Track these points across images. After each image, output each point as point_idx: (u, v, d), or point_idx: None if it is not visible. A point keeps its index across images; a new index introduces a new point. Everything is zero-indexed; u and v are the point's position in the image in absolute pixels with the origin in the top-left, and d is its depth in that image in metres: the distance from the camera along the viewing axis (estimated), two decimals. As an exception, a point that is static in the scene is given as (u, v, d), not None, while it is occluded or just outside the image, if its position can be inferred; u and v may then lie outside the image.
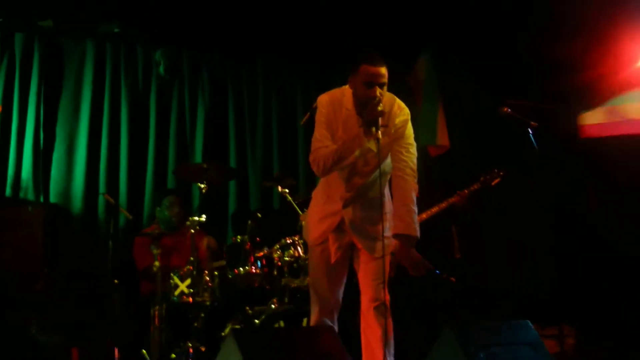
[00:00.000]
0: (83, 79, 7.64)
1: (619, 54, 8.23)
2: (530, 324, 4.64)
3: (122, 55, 7.85)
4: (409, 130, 4.99)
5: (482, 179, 7.03)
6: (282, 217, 7.63)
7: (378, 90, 4.74)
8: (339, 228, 5.00)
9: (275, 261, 6.38)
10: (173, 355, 6.07)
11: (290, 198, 6.69)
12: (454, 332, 4.26)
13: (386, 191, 5.05)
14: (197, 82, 8.13)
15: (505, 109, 5.93)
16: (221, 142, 8.15)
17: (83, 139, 7.50)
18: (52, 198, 7.34)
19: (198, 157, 7.88)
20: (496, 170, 7.03)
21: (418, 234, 4.87)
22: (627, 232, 8.33)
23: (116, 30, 7.72)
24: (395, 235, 4.87)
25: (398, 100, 5.00)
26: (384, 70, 4.78)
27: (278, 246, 6.42)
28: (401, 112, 4.96)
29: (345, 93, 4.96)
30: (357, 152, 4.78)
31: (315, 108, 5.06)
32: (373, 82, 4.74)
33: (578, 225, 8.57)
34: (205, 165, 6.35)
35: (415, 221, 4.87)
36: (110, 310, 6.38)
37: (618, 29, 7.73)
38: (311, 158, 4.92)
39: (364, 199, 4.96)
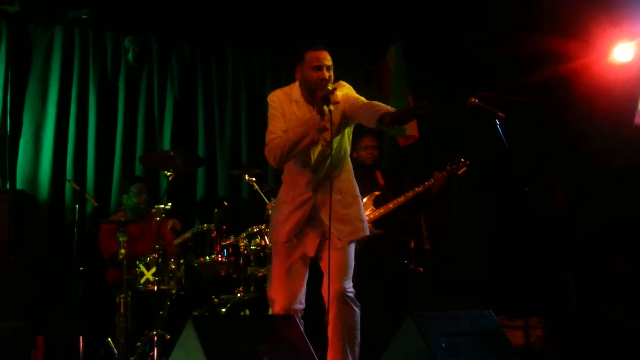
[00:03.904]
0: (51, 65, 7.56)
1: (592, 46, 8.25)
2: (492, 313, 4.65)
3: (91, 41, 7.78)
4: (354, 93, 5.02)
5: (448, 167, 7.03)
6: (249, 206, 7.62)
7: (326, 72, 4.85)
8: (311, 218, 5.00)
9: (242, 250, 6.38)
10: (138, 344, 6.07)
11: (257, 187, 6.67)
12: (416, 321, 4.27)
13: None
14: (166, 70, 8.08)
15: (473, 100, 5.93)
16: (190, 130, 8.11)
17: (50, 126, 7.43)
18: (19, 184, 7.27)
19: (166, 145, 7.84)
20: (462, 159, 7.03)
21: None
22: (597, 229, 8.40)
23: (85, 16, 7.65)
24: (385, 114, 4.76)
25: (339, 82, 5.03)
26: (326, 55, 4.90)
27: (244, 235, 6.42)
28: (342, 87, 4.99)
29: (292, 89, 5.05)
30: (316, 136, 4.83)
31: None
32: (320, 64, 4.85)
33: (545, 218, 8.61)
34: (172, 153, 6.32)
35: None
36: (76, 298, 6.35)
37: (591, 21, 7.74)
38: (266, 150, 4.95)
39: (333, 182, 4.93)
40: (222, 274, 6.56)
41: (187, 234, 6.55)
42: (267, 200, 6.54)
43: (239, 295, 6.30)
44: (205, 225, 6.47)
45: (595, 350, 7.35)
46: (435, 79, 8.84)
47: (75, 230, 6.41)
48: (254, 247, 6.36)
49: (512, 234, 8.61)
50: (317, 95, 4.79)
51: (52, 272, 6.95)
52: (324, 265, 5.00)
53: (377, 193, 7.07)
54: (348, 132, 5.09)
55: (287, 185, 5.14)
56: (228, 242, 6.42)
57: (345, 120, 4.94)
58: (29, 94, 7.45)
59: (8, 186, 7.18)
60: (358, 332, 5.01)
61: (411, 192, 7.02)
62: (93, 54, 7.76)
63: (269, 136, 4.97)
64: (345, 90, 4.97)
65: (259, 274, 6.34)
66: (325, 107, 4.72)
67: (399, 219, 7.14)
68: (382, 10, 7.91)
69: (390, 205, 6.99)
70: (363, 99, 4.94)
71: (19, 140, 7.35)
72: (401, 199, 7.01)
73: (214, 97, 8.27)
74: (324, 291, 4.93)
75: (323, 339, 4.99)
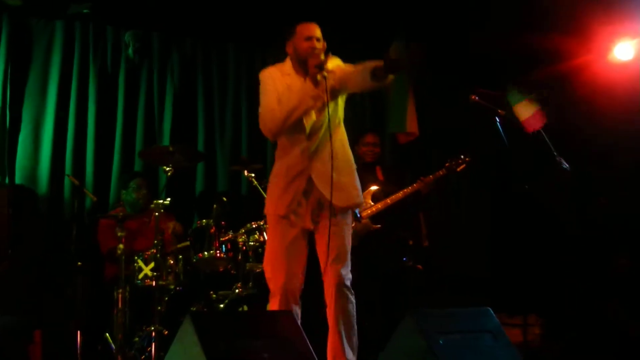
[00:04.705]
0: (51, 59, 7.55)
1: (592, 44, 8.24)
2: (491, 311, 4.63)
3: (91, 36, 7.77)
4: (343, 64, 5.08)
5: (447, 164, 7.03)
6: (248, 202, 7.61)
7: (317, 42, 4.98)
8: (308, 189, 5.01)
9: (240, 246, 6.38)
10: (136, 339, 6.06)
11: (256, 182, 6.66)
12: (415, 318, 4.26)
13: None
14: (166, 65, 8.07)
15: (473, 97, 5.93)
16: (189, 125, 8.11)
17: (50, 120, 7.42)
18: (18, 179, 7.25)
19: (166, 140, 7.83)
20: (462, 156, 7.03)
21: None
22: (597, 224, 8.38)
23: (86, 11, 7.63)
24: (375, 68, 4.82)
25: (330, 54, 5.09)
26: (316, 27, 5.05)
27: (243, 230, 6.41)
28: (333, 59, 5.02)
29: (282, 66, 5.15)
30: (310, 103, 4.91)
31: None
32: (311, 35, 4.99)
33: (547, 217, 8.60)
34: (171, 149, 6.30)
35: None
36: (74, 293, 6.35)
37: (591, 19, 7.73)
38: (261, 124, 5.06)
39: (327, 151, 4.94)
40: (221, 269, 6.56)
41: (186, 243, 6.54)
42: (265, 195, 6.53)
43: (237, 291, 6.30)
44: (204, 220, 6.46)
45: (595, 349, 7.35)
46: (436, 76, 8.83)
47: (74, 225, 6.40)
48: (252, 243, 6.37)
49: (511, 231, 8.61)
50: (310, 64, 4.87)
51: (51, 267, 6.93)
52: (320, 248, 5.04)
53: (374, 189, 7.07)
54: (342, 101, 5.15)
55: (281, 159, 5.15)
56: (227, 237, 6.41)
57: (337, 90, 5.01)
58: (28, 88, 7.44)
59: (7, 180, 7.17)
60: (354, 320, 5.05)
61: (400, 193, 7.03)
62: (93, 48, 7.74)
63: (263, 110, 5.05)
64: (335, 62, 5.03)
65: (258, 270, 6.33)
66: (319, 75, 4.82)
67: (397, 215, 7.13)
68: (384, 7, 7.90)
69: (388, 201, 6.99)
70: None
71: (18, 135, 7.33)
72: (391, 199, 7.01)
73: (214, 93, 8.26)
74: (324, 278, 5.00)
75: (322, 326, 5.04)
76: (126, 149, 7.72)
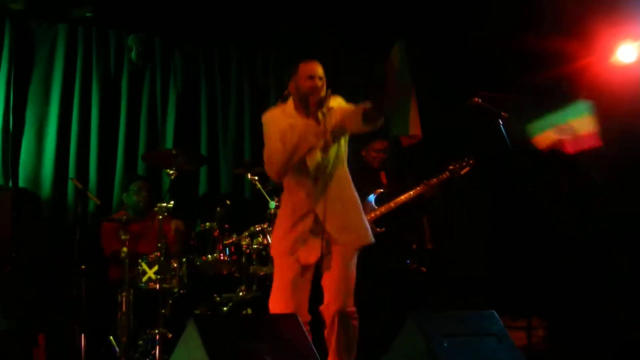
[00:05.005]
0: (54, 63, 7.55)
1: (595, 46, 8.23)
2: (495, 314, 4.63)
3: (94, 40, 7.76)
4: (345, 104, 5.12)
5: (451, 167, 7.02)
6: (252, 205, 7.62)
7: (318, 81, 5.02)
8: (313, 229, 5.02)
9: (244, 249, 6.38)
10: (140, 342, 6.06)
11: (259, 185, 6.67)
12: (417, 321, 4.25)
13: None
14: (169, 68, 8.08)
15: (476, 100, 5.93)
16: (193, 128, 8.11)
17: (53, 123, 7.42)
18: (21, 182, 7.26)
19: (169, 143, 7.83)
20: (466, 159, 7.03)
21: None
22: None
23: (88, 14, 7.65)
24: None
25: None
26: (318, 65, 5.09)
27: (247, 233, 6.41)
28: (335, 98, 5.07)
29: (285, 105, 5.19)
30: (313, 142, 4.94)
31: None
32: (312, 74, 5.03)
33: (550, 218, 8.60)
34: (174, 152, 6.31)
35: None
36: (77, 296, 6.34)
37: (594, 21, 7.72)
38: (266, 166, 5.12)
39: (333, 192, 5.01)
40: (224, 272, 6.57)
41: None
42: (269, 199, 6.54)
43: (241, 294, 6.30)
44: (207, 223, 6.48)
45: (598, 351, 7.34)
46: (438, 78, 8.82)
47: (78, 228, 6.40)
48: (256, 246, 6.37)
49: (514, 234, 8.60)
50: (311, 101, 4.94)
51: (54, 270, 6.94)
52: (325, 281, 5.08)
53: (379, 191, 7.08)
54: (344, 141, 5.16)
55: (287, 200, 5.20)
56: (230, 240, 6.42)
57: (338, 128, 5.00)
58: (31, 91, 7.44)
59: (10, 184, 7.17)
60: (355, 341, 5.12)
61: (403, 196, 7.03)
62: (96, 52, 7.74)
63: (267, 152, 5.10)
64: (337, 101, 5.08)
65: (261, 273, 6.34)
66: (319, 113, 4.88)
67: (401, 218, 7.14)
68: (386, 8, 7.90)
69: (392, 205, 6.99)
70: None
71: (21, 138, 7.34)
72: (394, 203, 7.02)
73: (217, 96, 8.26)
74: (323, 308, 5.05)
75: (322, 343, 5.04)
76: (129, 152, 7.72)
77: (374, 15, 7.96)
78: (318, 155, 5.00)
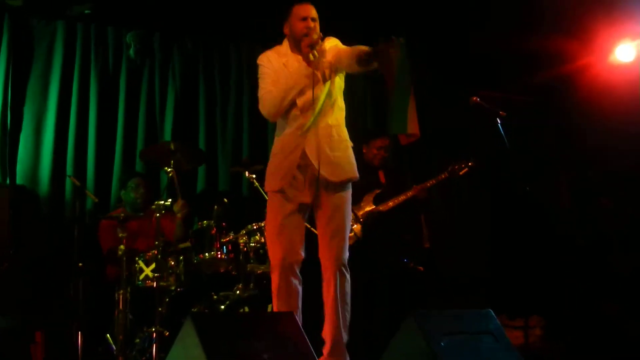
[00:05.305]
0: (52, 59, 7.54)
1: (594, 45, 8.24)
2: (492, 313, 4.63)
3: (93, 36, 7.76)
4: (342, 45, 5.18)
5: (450, 168, 7.04)
6: (249, 203, 7.62)
7: (311, 22, 5.07)
8: (302, 164, 5.06)
9: (241, 247, 6.35)
10: (137, 340, 6.05)
11: (257, 184, 6.65)
12: (416, 320, 4.25)
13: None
14: (168, 65, 8.07)
15: (475, 99, 5.93)
16: (191, 126, 8.10)
17: (51, 120, 7.42)
18: (19, 180, 7.25)
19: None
20: (465, 160, 7.04)
21: None
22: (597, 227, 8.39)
23: (87, 11, 7.63)
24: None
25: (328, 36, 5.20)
26: (312, 7, 5.16)
27: (244, 232, 6.39)
28: (330, 40, 5.16)
29: (280, 48, 5.27)
30: (304, 82, 5.01)
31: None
32: (305, 15, 5.10)
33: (548, 218, 8.61)
34: (172, 147, 6.29)
35: None
36: (75, 294, 6.34)
37: (592, 21, 7.73)
38: (260, 106, 5.20)
39: (322, 128, 5.07)
40: (222, 270, 6.55)
41: (187, 244, 6.54)
42: (266, 197, 6.52)
43: (238, 292, 6.28)
44: (204, 221, 6.46)
45: (596, 350, 7.35)
46: (437, 77, 8.83)
47: (75, 226, 6.40)
48: (253, 244, 6.35)
49: (512, 232, 8.61)
50: (303, 43, 4.99)
51: (52, 268, 6.93)
52: (318, 222, 5.14)
53: (377, 191, 7.10)
54: (340, 80, 5.21)
55: (277, 137, 5.23)
56: (228, 238, 6.40)
57: (331, 69, 5.09)
58: (30, 88, 7.44)
59: (8, 181, 7.16)
60: (349, 298, 5.11)
61: (390, 202, 7.04)
62: (95, 49, 7.74)
63: (261, 92, 5.18)
64: (333, 43, 5.15)
65: (259, 271, 6.33)
66: (311, 55, 4.94)
67: (399, 217, 7.14)
68: (386, 8, 7.90)
69: (390, 204, 7.00)
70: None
71: (19, 135, 7.33)
72: (385, 205, 7.04)
73: (216, 94, 8.26)
74: (320, 254, 5.09)
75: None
76: (127, 149, 7.71)
77: (374, 15, 7.95)
78: (307, 93, 5.04)
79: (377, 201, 7.05)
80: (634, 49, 8.24)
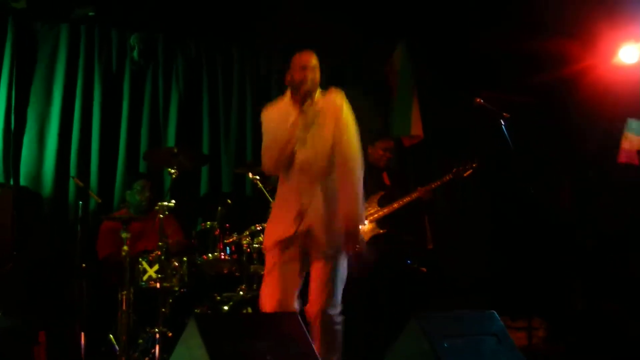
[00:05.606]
0: (56, 61, 7.56)
1: (597, 47, 8.24)
2: (496, 314, 4.63)
3: (96, 39, 7.77)
4: (346, 118, 5.10)
5: (454, 170, 7.04)
6: (253, 204, 7.62)
7: (309, 72, 5.01)
8: (301, 221, 4.99)
9: (245, 248, 6.38)
10: (140, 341, 6.05)
11: (261, 185, 6.66)
12: (419, 321, 4.25)
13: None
14: (171, 68, 8.08)
15: (478, 100, 5.93)
16: (194, 128, 8.11)
17: (55, 122, 7.43)
18: (22, 181, 7.26)
19: (171, 143, 7.84)
20: (469, 162, 7.04)
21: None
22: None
23: (91, 14, 7.64)
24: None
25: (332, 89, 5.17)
26: (312, 56, 5.09)
27: (247, 233, 6.41)
28: (334, 93, 5.13)
29: (282, 100, 5.19)
30: (299, 133, 4.97)
31: None
32: (304, 65, 5.03)
33: (551, 221, 8.61)
34: (175, 150, 6.30)
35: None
36: (78, 295, 6.34)
37: (596, 22, 7.73)
38: (262, 161, 5.14)
39: (322, 188, 5.00)
40: (225, 271, 6.56)
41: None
42: (270, 199, 6.53)
43: (241, 293, 6.30)
44: (208, 223, 6.47)
45: (599, 352, 7.34)
46: (440, 79, 8.83)
47: (79, 227, 6.40)
48: (256, 245, 6.37)
49: (515, 234, 8.61)
50: (300, 93, 4.98)
51: (55, 268, 6.95)
52: (310, 281, 5.06)
53: (382, 193, 7.11)
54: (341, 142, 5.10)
55: (278, 193, 5.21)
56: (231, 240, 6.42)
57: (333, 132, 5.03)
58: (33, 90, 7.45)
59: (12, 182, 7.17)
60: (340, 348, 5.04)
61: (395, 204, 7.04)
62: (98, 51, 7.75)
63: (263, 149, 5.13)
64: (335, 97, 5.10)
65: (262, 272, 6.31)
66: (304, 106, 4.95)
67: (402, 218, 7.14)
68: (389, 10, 7.90)
69: (395, 205, 7.01)
70: (353, 146, 5.05)
71: (23, 137, 7.34)
72: (389, 208, 7.04)
73: (219, 96, 8.27)
74: (307, 308, 5.00)
75: None
76: (131, 151, 7.72)
77: (376, 16, 7.96)
78: (308, 149, 5.00)
79: (382, 203, 7.06)
80: (638, 51, 8.23)
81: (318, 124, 5.00)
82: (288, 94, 5.14)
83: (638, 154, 8.35)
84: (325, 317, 4.94)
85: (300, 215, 4.96)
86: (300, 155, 5.00)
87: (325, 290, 4.95)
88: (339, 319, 5.01)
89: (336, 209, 4.99)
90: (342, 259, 5.04)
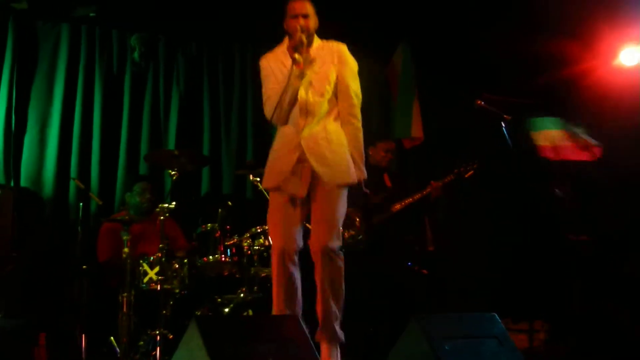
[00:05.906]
0: (57, 62, 7.57)
1: (598, 49, 8.23)
2: (497, 317, 4.63)
3: (97, 39, 7.79)
4: (350, 68, 5.17)
5: (456, 170, 7.05)
6: (253, 206, 7.61)
7: (301, 20, 4.98)
8: (300, 162, 5.06)
9: (245, 250, 6.36)
10: (141, 343, 6.03)
11: (261, 187, 6.64)
12: (420, 323, 4.25)
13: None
14: (172, 68, 8.09)
15: (479, 102, 5.93)
16: (195, 129, 8.11)
17: (55, 123, 7.44)
18: (23, 182, 7.28)
19: (171, 144, 7.85)
20: (470, 163, 7.04)
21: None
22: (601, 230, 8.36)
23: (92, 14, 7.65)
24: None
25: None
26: (304, 4, 5.06)
27: (248, 235, 6.39)
28: (333, 44, 5.16)
29: (279, 48, 5.20)
30: (296, 83, 4.98)
31: None
32: (295, 13, 5.02)
33: (552, 220, 8.59)
34: (176, 152, 6.29)
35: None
36: (79, 296, 6.34)
37: (597, 24, 7.72)
38: (264, 111, 5.16)
39: (318, 130, 5.06)
40: (226, 273, 6.55)
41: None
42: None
43: (242, 295, 6.28)
44: (209, 225, 6.46)
45: (600, 354, 7.33)
46: (441, 80, 8.82)
47: (79, 228, 6.40)
48: (257, 247, 6.35)
49: (517, 236, 8.60)
50: (289, 44, 5.01)
51: (55, 270, 6.94)
52: (312, 219, 5.11)
53: (383, 194, 7.11)
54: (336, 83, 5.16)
55: (277, 135, 5.24)
56: (232, 242, 6.40)
57: (334, 81, 5.09)
58: (34, 91, 7.46)
59: (12, 183, 7.18)
60: (342, 284, 5.07)
61: (410, 198, 7.05)
62: (99, 52, 7.77)
63: (263, 98, 5.16)
64: (336, 43, 5.15)
65: (263, 274, 6.33)
66: (296, 56, 4.89)
67: (403, 220, 7.14)
68: (390, 11, 7.90)
69: (398, 206, 7.01)
70: (353, 99, 5.13)
71: (23, 137, 7.35)
72: (401, 204, 7.04)
73: (220, 97, 8.28)
74: (310, 242, 5.07)
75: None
76: (131, 152, 7.73)
77: (378, 17, 7.96)
78: (309, 95, 5.03)
79: (379, 209, 7.07)
80: (639, 53, 8.22)
81: (316, 67, 5.01)
82: (286, 40, 5.15)
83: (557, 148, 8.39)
84: (328, 251, 4.99)
85: (300, 153, 5.03)
86: (300, 96, 5.03)
87: (327, 226, 5.03)
88: (341, 254, 5.06)
89: (335, 147, 5.07)
90: (342, 194, 5.11)
